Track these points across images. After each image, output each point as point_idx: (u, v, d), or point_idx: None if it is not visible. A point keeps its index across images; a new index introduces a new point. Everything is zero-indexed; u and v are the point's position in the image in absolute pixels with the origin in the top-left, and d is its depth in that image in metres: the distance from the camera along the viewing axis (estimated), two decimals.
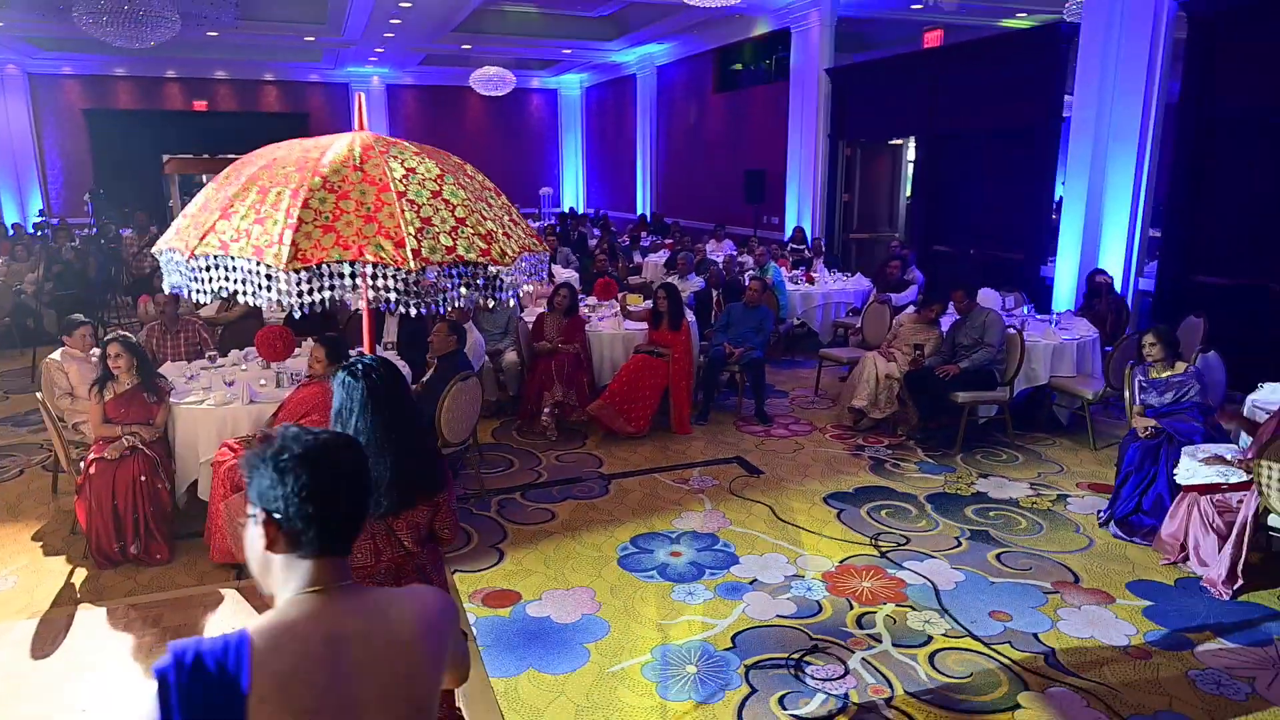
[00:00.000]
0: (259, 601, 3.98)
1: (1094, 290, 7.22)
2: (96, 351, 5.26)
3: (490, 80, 15.31)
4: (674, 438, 6.36)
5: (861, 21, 12.03)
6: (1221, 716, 3.15)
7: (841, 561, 4.42)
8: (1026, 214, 9.03)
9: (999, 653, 3.59)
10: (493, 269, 2.14)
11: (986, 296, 6.83)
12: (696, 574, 4.29)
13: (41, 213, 15.86)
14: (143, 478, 4.32)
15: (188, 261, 2.07)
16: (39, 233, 13.52)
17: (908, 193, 12.27)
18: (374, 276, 2.01)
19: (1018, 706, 3.23)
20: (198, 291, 2.10)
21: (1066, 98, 8.47)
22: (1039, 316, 6.99)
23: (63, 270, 8.97)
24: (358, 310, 7.32)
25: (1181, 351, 4.76)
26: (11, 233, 14.03)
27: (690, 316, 6.92)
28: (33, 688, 3.36)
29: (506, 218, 2.32)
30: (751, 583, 4.20)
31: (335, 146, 2.17)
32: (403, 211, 2.07)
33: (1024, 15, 10.64)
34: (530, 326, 6.77)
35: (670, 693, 3.34)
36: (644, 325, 6.80)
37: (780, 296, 8.43)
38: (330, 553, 1.26)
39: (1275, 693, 3.30)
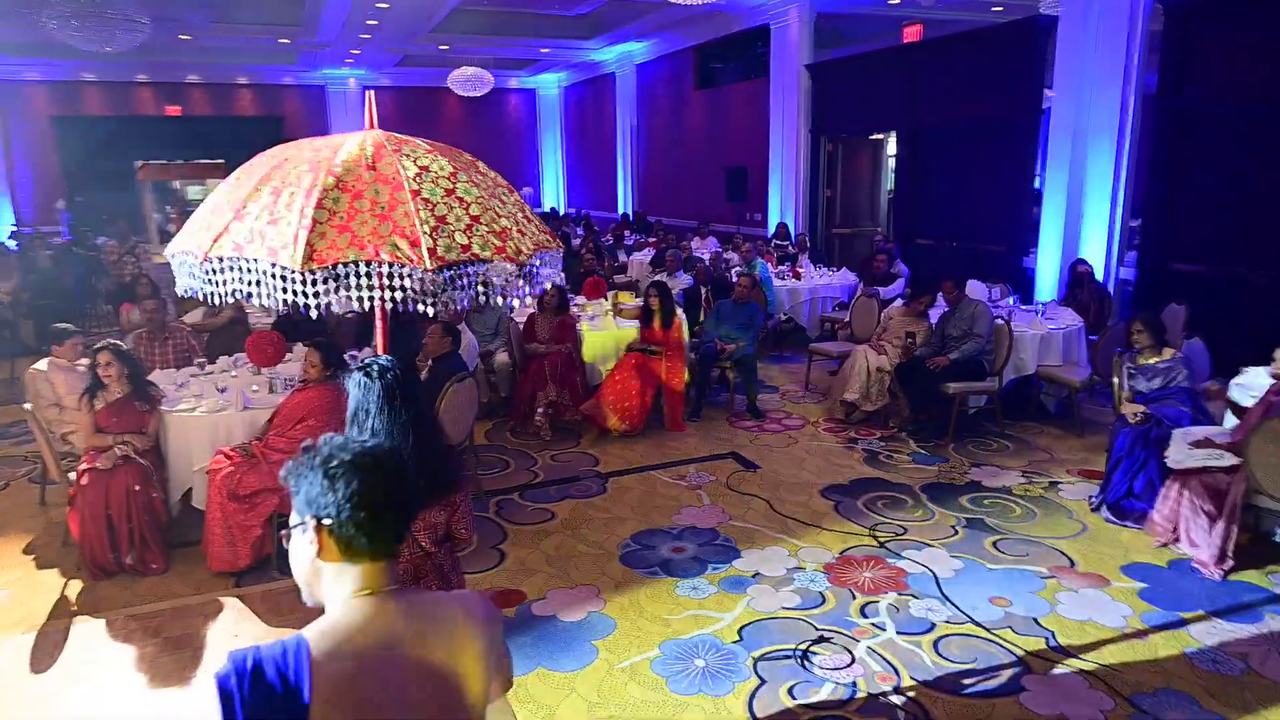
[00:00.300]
0: (259, 609, 3.95)
1: (1076, 280, 7.33)
2: (83, 361, 5.20)
3: (468, 81, 15.23)
4: (668, 435, 6.38)
5: (840, 17, 12.11)
6: (1220, 692, 3.22)
7: (841, 553, 4.45)
8: (1007, 206, 9.14)
9: (1001, 638, 3.64)
10: (509, 266, 2.14)
11: (973, 288, 6.91)
12: (699, 569, 4.31)
13: (16, 224, 15.58)
14: (136, 487, 4.26)
15: (201, 264, 2.05)
16: (16, 244, 13.30)
17: (889, 187, 12.37)
18: (389, 276, 2.00)
19: (1022, 689, 3.28)
20: (212, 294, 2.09)
21: (1046, 91, 8.58)
22: (1024, 307, 7.08)
23: (40, 280, 8.83)
24: (347, 314, 7.28)
25: (1167, 338, 4.85)
26: None
27: (680, 314, 6.93)
28: (31, 701, 3.32)
29: (520, 215, 2.32)
30: (754, 576, 4.23)
31: (347, 145, 2.16)
32: (417, 210, 2.06)
33: (1000, 9, 10.75)
34: (521, 327, 6.76)
35: (680, 687, 3.35)
36: (635, 323, 6.81)
37: (768, 292, 8.47)
38: (380, 557, 1.27)
39: (1270, 668, 3.37)
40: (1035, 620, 3.76)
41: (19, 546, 4.63)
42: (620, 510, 5.05)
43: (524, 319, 6.84)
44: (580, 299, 7.68)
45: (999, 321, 6.19)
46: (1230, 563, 4.07)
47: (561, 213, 20.27)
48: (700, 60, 15.13)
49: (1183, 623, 3.72)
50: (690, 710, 3.22)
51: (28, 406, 4.60)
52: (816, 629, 3.74)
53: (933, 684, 3.34)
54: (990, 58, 9.19)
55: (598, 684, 3.37)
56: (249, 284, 2.00)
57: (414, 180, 2.11)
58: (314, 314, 2.00)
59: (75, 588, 4.18)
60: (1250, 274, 6.92)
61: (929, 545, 4.51)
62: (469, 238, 2.11)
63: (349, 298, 2.04)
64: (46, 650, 3.64)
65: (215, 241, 2.02)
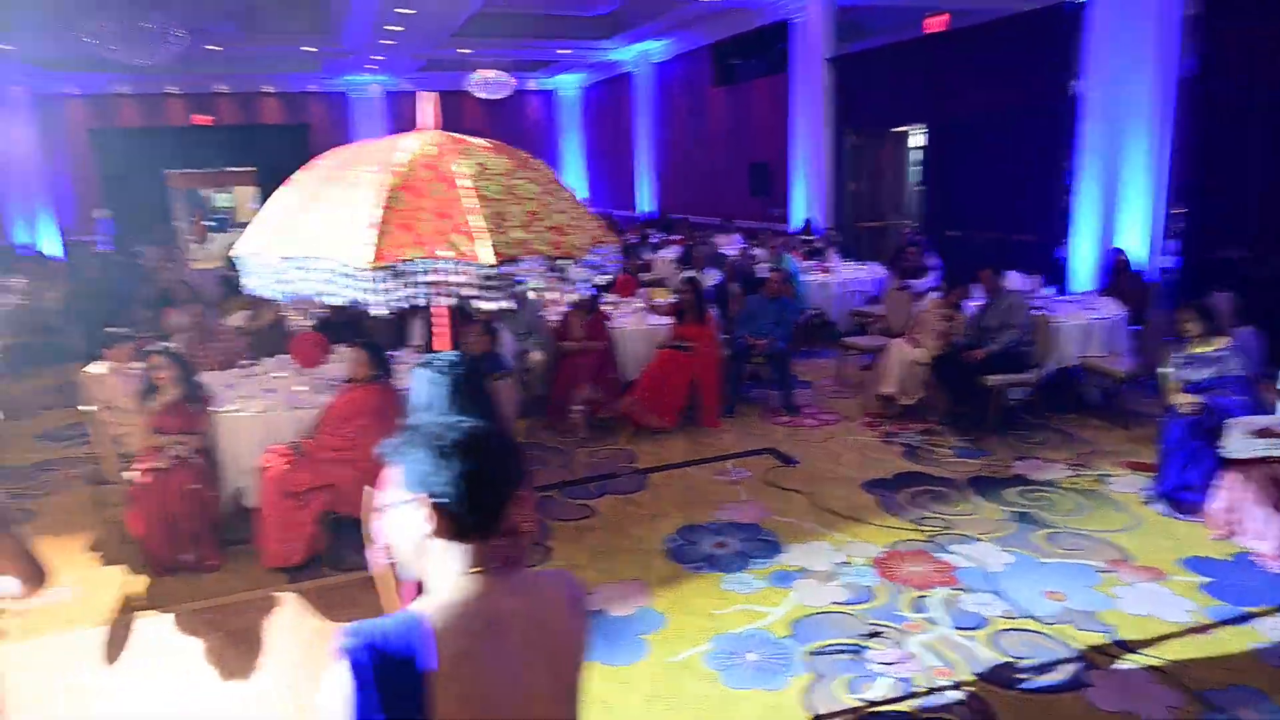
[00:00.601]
0: (315, 604, 4.01)
1: (1117, 269, 7.24)
2: (135, 364, 5.29)
3: (489, 84, 15.28)
4: (703, 431, 6.38)
5: (860, 10, 12.05)
6: None
7: (888, 547, 4.43)
8: (1038, 196, 9.04)
9: (1060, 632, 3.60)
10: (566, 261, 2.16)
11: (1011, 279, 6.84)
12: (744, 564, 4.31)
13: (65, 231, 15.90)
14: (192, 486, 4.34)
15: (270, 264, 2.09)
16: (64, 252, 13.57)
17: (915, 179, 12.28)
18: (450, 272, 2.03)
19: (1086, 685, 3.25)
20: (279, 293, 2.12)
21: (1076, 79, 8.47)
22: (1062, 298, 7.01)
23: (86, 287, 9.00)
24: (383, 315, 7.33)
25: (1220, 325, 4.77)
26: (21, 251, 14.06)
27: (712, 310, 6.93)
28: (103, 694, 3.38)
29: (576, 211, 2.34)
30: (800, 571, 4.22)
31: (408, 146, 2.19)
32: (477, 207, 2.08)
33: None
34: (555, 326, 6.79)
35: (734, 680, 3.36)
36: (668, 320, 6.82)
37: (798, 287, 8.44)
38: (487, 535, 1.29)
39: None
40: (1094, 615, 3.72)
41: (81, 545, 4.72)
42: (660, 506, 5.06)
43: (558, 318, 6.87)
44: (612, 296, 7.70)
45: (1037, 313, 6.13)
46: None
47: None
48: (718, 57, 15.09)
49: (1249, 617, 3.66)
50: (746, 704, 3.23)
51: (87, 408, 4.69)
52: (868, 623, 3.73)
53: (991, 679, 3.32)
54: (1018, 46, 9.10)
55: (651, 677, 3.38)
56: (317, 283, 2.04)
57: (473, 178, 2.14)
58: (376, 312, 2.02)
59: (137, 584, 4.26)
60: None
61: (977, 539, 4.47)
62: (527, 233, 2.13)
63: (413, 295, 2.06)
64: (115, 644, 3.72)
65: (283, 241, 2.06)
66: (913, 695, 3.26)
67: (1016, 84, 9.13)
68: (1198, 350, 4.71)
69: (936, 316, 6.49)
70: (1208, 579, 3.98)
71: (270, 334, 6.83)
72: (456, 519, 1.26)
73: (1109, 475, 5.24)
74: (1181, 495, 4.60)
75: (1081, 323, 6.32)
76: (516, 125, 21.34)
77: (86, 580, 4.32)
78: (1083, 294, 7.14)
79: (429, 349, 6.29)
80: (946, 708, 3.17)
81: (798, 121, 12.24)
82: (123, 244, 13.23)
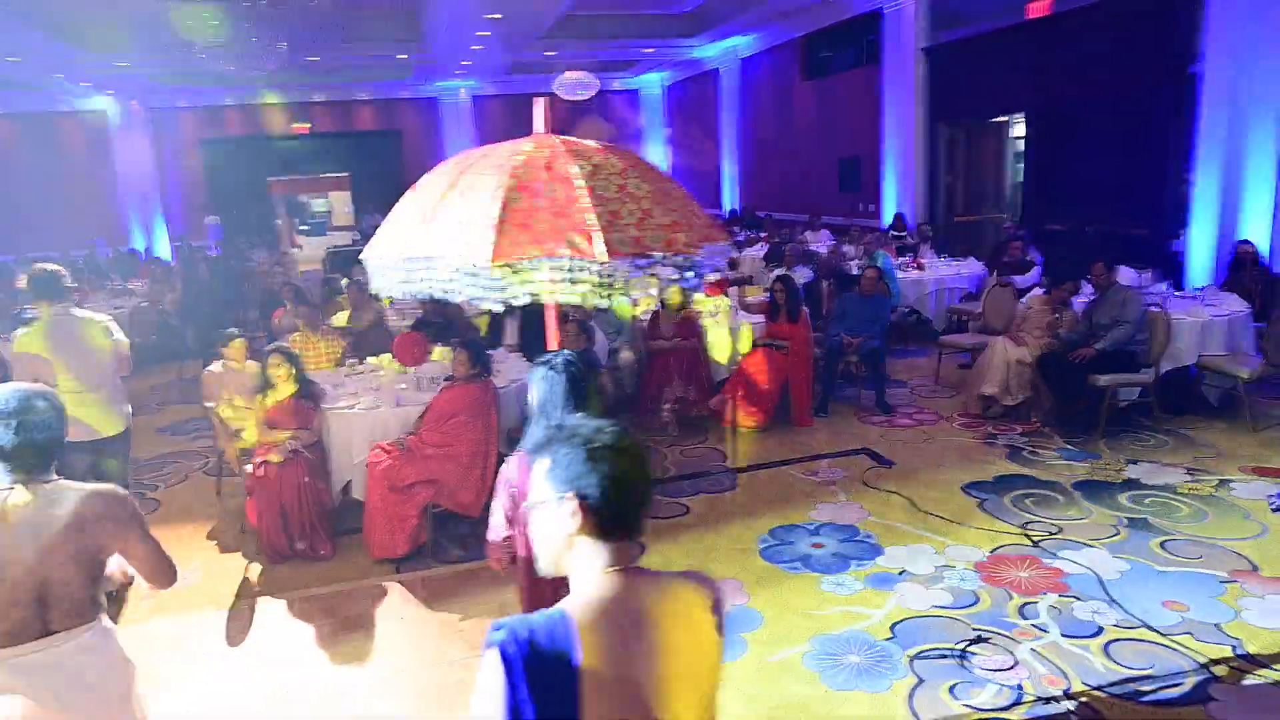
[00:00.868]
0: (420, 594, 4.16)
1: (1238, 262, 6.81)
2: (249, 363, 5.59)
3: (574, 85, 15.45)
4: (795, 430, 6.31)
5: None
6: None
7: (992, 551, 4.30)
8: (1151, 186, 8.58)
9: (1180, 644, 3.43)
10: (679, 259, 2.19)
11: (1123, 274, 6.52)
12: (842, 565, 4.25)
13: (179, 238, 16.96)
14: (305, 479, 4.56)
15: (397, 265, 2.18)
16: (174, 256, 14.47)
17: (1015, 171, 11.83)
18: (568, 270, 2.08)
19: (1210, 699, 3.09)
20: (405, 293, 2.22)
21: (1195, 61, 8.00)
22: (1179, 293, 6.63)
23: (199, 289, 9.56)
24: (476, 316, 7.55)
25: None
26: (144, 257, 15.04)
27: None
28: (230, 672, 3.60)
29: (687, 209, 2.37)
30: (900, 573, 4.14)
31: (524, 149, 2.27)
32: (592, 206, 2.13)
33: None
34: (646, 325, 6.83)
35: (836, 682, 3.32)
36: (760, 318, 6.78)
37: (892, 285, 8.26)
38: (630, 536, 1.33)
39: None
40: (1217, 626, 3.52)
41: (202, 533, 5.03)
42: (754, 505, 5.04)
43: (648, 317, 6.91)
44: (701, 295, 7.69)
45: (1153, 309, 5.83)
46: None
47: None
48: (807, 50, 14.87)
49: None
50: (849, 705, 3.19)
51: (209, 405, 4.98)
52: (973, 628, 3.63)
53: (1107, 690, 3.18)
54: (1130, 28, 8.65)
55: (753, 677, 3.38)
56: (440, 281, 2.12)
57: (588, 178, 2.19)
58: (500, 309, 2.08)
59: (255, 570, 4.52)
60: None
61: (1088, 545, 4.29)
62: (641, 231, 2.17)
63: (531, 293, 2.12)
64: (239, 626, 3.96)
65: (410, 243, 2.15)
66: (1021, 703, 3.16)
67: (1127, 68, 8.69)
68: None
69: (1042, 313, 6.24)
70: None
71: (371, 335, 7.09)
72: (604, 518, 1.30)
73: (1231, 481, 4.94)
74: None
75: (1200, 320, 5.98)
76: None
77: (208, 566, 4.60)
78: (1201, 289, 6.74)
79: (522, 348, 6.44)
80: (1060, 717, 3.06)
81: (889, 114, 11.96)
82: (230, 248, 13.98)
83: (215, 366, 5.52)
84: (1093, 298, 6.00)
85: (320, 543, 4.57)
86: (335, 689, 3.46)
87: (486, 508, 4.54)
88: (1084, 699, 3.15)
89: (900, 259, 9.22)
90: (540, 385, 2.23)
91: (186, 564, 4.55)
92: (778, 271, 7.80)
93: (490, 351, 6.11)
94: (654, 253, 2.17)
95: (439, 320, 6.82)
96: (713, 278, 2.39)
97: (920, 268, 8.95)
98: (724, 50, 16.85)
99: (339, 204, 26.95)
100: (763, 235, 12.97)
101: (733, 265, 11.67)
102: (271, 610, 4.10)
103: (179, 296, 9.76)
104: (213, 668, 3.66)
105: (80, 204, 17.33)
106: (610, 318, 7.12)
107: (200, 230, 17.77)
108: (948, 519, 4.69)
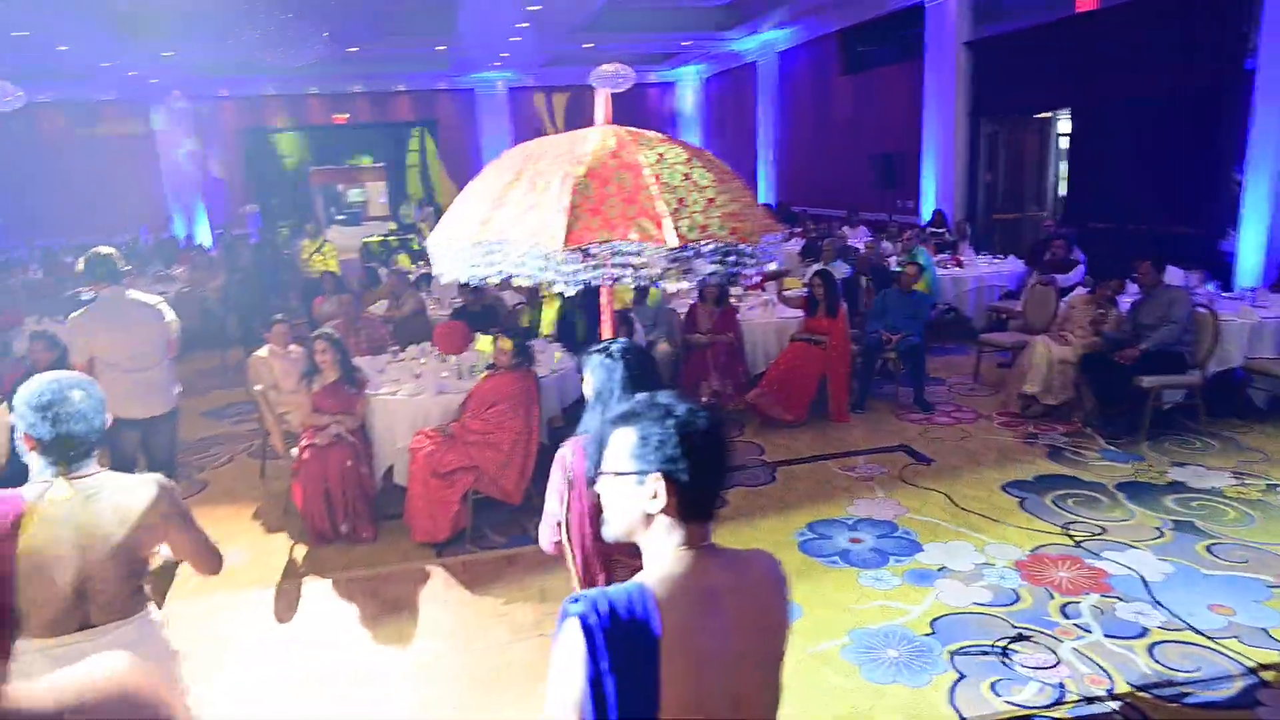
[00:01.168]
0: (461, 577, 4.22)
1: None
2: (293, 347, 5.70)
3: (610, 77, 15.48)
4: (833, 425, 6.29)
5: None
6: None
7: (1033, 550, 4.27)
8: (1199, 185, 8.40)
9: (1226, 648, 3.39)
10: (743, 247, 2.23)
11: (1170, 275, 6.40)
12: (881, 560, 4.25)
13: (220, 226, 17.30)
14: (349, 463, 4.64)
15: (469, 249, 2.24)
16: (214, 245, 14.74)
17: (1058, 168, 11.64)
18: (637, 254, 2.12)
19: (1258, 704, 3.05)
20: (471, 277, 2.27)
21: (1250, 56, 7.81)
22: (1227, 294, 6.50)
23: (241, 277, 9.74)
24: (516, 305, 7.62)
25: None
26: (185, 244, 15.34)
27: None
28: (276, 649, 3.69)
29: (747, 199, 2.40)
30: (940, 569, 4.13)
31: (590, 138, 2.31)
32: (660, 194, 2.17)
33: None
34: (683, 318, 6.84)
35: (875, 675, 3.33)
36: (798, 312, 6.76)
37: (931, 281, 8.18)
38: (708, 517, 1.35)
39: None
40: (1265, 631, 3.47)
41: (247, 514, 5.14)
42: (792, 499, 5.05)
43: (684, 310, 6.92)
44: (738, 289, 7.68)
45: (1201, 310, 5.72)
46: None
47: None
48: (846, 44, 14.73)
49: None
50: (888, 699, 3.20)
51: (258, 389, 5.09)
52: (1014, 626, 3.62)
53: (1151, 691, 3.16)
54: (1182, 22, 8.46)
55: (792, 668, 3.34)
56: (509, 266, 2.17)
57: (654, 167, 2.23)
58: (570, 291, 2.12)
59: (300, 552, 4.62)
60: None
61: (1132, 547, 4.24)
62: (707, 219, 2.20)
63: (600, 276, 2.16)
64: (286, 605, 4.05)
65: (481, 227, 2.20)
66: (1064, 702, 3.14)
67: (1177, 64, 8.50)
68: None
69: (1086, 312, 6.16)
70: None
71: (411, 323, 7.19)
72: (688, 501, 1.32)
73: (1279, 485, 4.86)
74: None
75: (1249, 322, 5.86)
76: (637, 118, 21.42)
77: (254, 546, 4.70)
78: (1250, 290, 6.60)
79: (560, 338, 6.48)
80: (1104, 717, 3.04)
81: (929, 109, 11.82)
82: (269, 236, 14.20)
83: (262, 351, 5.63)
84: (1138, 298, 5.91)
85: (363, 526, 4.66)
86: (378, 670, 3.53)
87: (526, 495, 4.64)
88: (1128, 699, 3.13)
89: (939, 256, 9.13)
90: (597, 372, 2.26)
91: (233, 543, 4.66)
92: (816, 267, 7.77)
93: (529, 341, 6.19)
94: (720, 240, 2.21)
95: (479, 310, 6.89)
96: (771, 266, 2.41)
97: (960, 265, 8.85)
98: (762, 44, 16.76)
99: (374, 194, 27.28)
100: (798, 230, 12.91)
101: None
102: (316, 590, 4.19)
103: (221, 283, 9.95)
104: (259, 644, 3.75)
105: (124, 191, 17.71)
106: (646, 311, 7.14)
107: (239, 218, 18.07)
108: (987, 517, 4.66)
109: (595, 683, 1.19)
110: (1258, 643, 3.40)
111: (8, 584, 1.86)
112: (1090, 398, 5.91)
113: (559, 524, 2.28)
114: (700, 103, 21.50)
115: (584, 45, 16.33)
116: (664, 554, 1.33)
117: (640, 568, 2.26)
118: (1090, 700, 3.13)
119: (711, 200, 2.21)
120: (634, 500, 1.34)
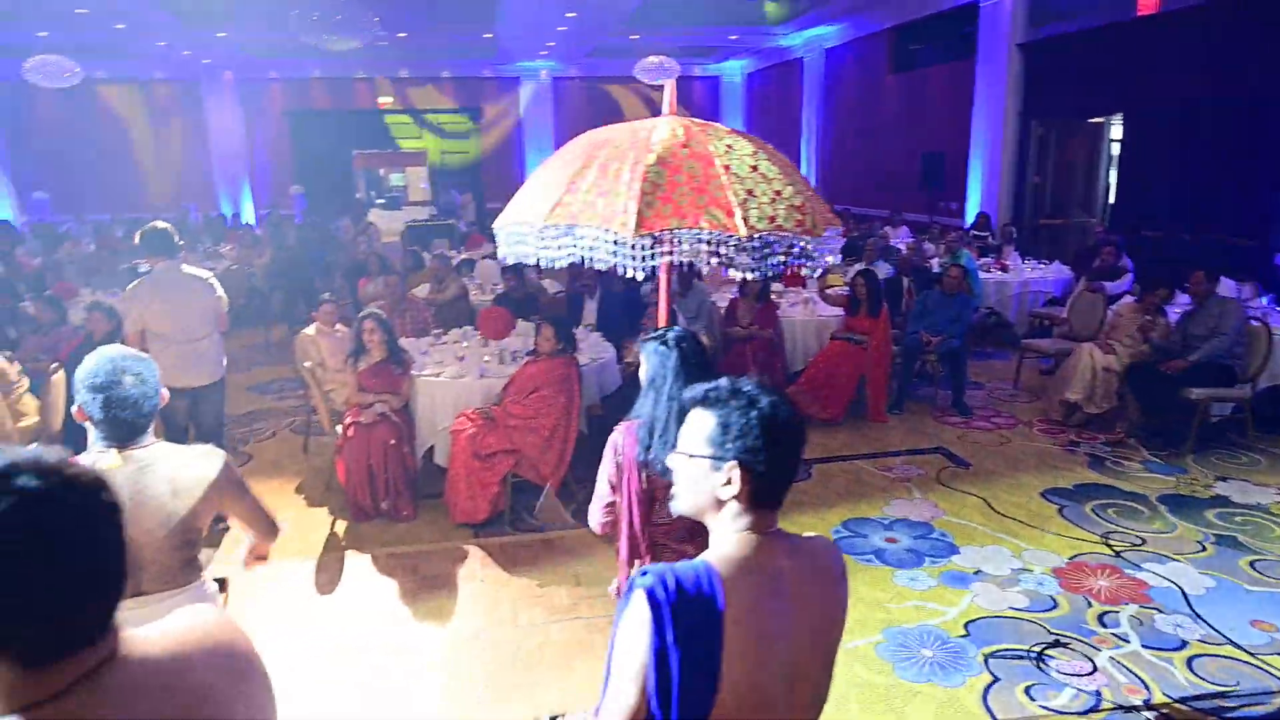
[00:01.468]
0: (498, 558, 4.29)
1: None
2: (339, 326, 5.81)
3: (653, 69, 15.46)
4: (870, 425, 6.27)
5: None
6: None
7: (1071, 558, 4.23)
8: (1257, 195, 8.20)
9: (1268, 664, 3.34)
10: (808, 239, 2.25)
11: (1223, 286, 6.28)
12: (916, 561, 4.24)
13: (265, 206, 17.63)
14: (392, 441, 4.73)
15: (539, 231, 2.29)
16: (257, 223, 15.02)
17: (1108, 174, 11.43)
18: (708, 242, 2.15)
19: None
20: (539, 259, 2.32)
21: None
22: None
23: (286, 256, 9.92)
24: (557, 294, 7.68)
25: None
26: (231, 223, 15.64)
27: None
28: (317, 619, 3.79)
29: (810, 193, 2.42)
30: (976, 573, 4.11)
31: (660, 128, 2.35)
32: (730, 184, 2.20)
33: None
34: (723, 312, 6.85)
35: (908, 674, 3.33)
36: (838, 311, 6.74)
37: (974, 284, 8.09)
38: (776, 504, 1.39)
39: None
40: None
41: (290, 487, 5.27)
42: (828, 496, 5.05)
43: (725, 304, 6.93)
44: (779, 285, 7.68)
45: (1254, 323, 5.61)
46: None
47: None
48: (896, 42, 14.56)
49: None
50: (921, 698, 3.20)
51: (306, 365, 5.20)
52: (1051, 632, 3.60)
53: (1190, 703, 3.13)
54: (1241, 28, 8.26)
55: None
56: (583, 249, 2.21)
57: (723, 157, 2.26)
58: (639, 276, 2.17)
59: (341, 526, 4.72)
60: None
61: (1172, 559, 4.19)
62: (774, 210, 2.23)
63: (673, 260, 2.20)
64: (327, 577, 4.15)
65: (551, 211, 2.25)
66: (1099, 709, 3.12)
67: (1236, 70, 8.30)
68: None
69: (1133, 320, 6.06)
70: None
71: (453, 306, 7.29)
72: (761, 490, 1.36)
73: None
74: None
75: None
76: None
77: (296, 520, 4.81)
78: None
79: (600, 327, 6.51)
80: None
81: (979, 110, 11.66)
82: (313, 218, 14.43)
83: (309, 330, 5.75)
84: (1189, 308, 5.80)
85: (403, 504, 4.75)
86: (416, 643, 3.61)
87: (564, 480, 4.69)
88: (1165, 710, 3.10)
89: (981, 260, 9.02)
90: (652, 360, 2.30)
91: (278, 514, 4.77)
92: (858, 266, 7.73)
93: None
94: (787, 231, 2.23)
95: (521, 296, 6.96)
96: (831, 259, 2.42)
97: (1005, 269, 8.74)
98: (809, 39, 16.63)
99: (415, 179, 27.55)
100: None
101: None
102: (357, 564, 4.29)
103: (267, 262, 10.14)
104: (302, 614, 3.85)
105: (174, 169, 18.11)
106: (688, 303, 7.16)
107: (285, 199, 18.37)
108: (1025, 523, 4.63)
109: (660, 654, 1.23)
110: None
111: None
112: (1135, 408, 5.82)
113: (609, 506, 2.32)
114: (743, 97, 21.39)
115: (631, 37, 16.32)
116: (730, 536, 1.37)
117: (686, 553, 2.30)
118: (1127, 710, 3.11)
119: (779, 193, 2.23)
120: (707, 483, 1.37)
